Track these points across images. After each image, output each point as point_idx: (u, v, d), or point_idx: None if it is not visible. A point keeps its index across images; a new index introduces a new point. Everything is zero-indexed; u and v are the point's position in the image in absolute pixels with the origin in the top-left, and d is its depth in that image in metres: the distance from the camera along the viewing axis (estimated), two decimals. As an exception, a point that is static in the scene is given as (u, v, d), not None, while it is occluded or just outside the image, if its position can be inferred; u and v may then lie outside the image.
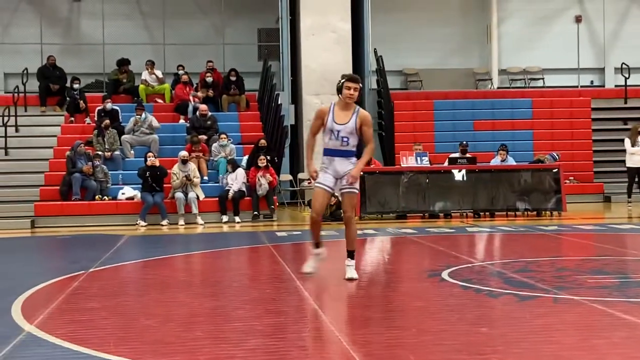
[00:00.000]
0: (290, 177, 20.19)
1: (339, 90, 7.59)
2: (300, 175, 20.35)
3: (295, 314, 6.41)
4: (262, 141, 17.18)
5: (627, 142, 17.55)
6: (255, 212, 15.85)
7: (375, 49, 21.24)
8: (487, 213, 15.80)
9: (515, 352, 4.94)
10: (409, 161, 16.19)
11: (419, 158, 16.24)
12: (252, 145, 17.65)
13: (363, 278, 8.54)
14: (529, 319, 5.88)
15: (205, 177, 16.87)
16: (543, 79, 22.95)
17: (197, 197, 15.80)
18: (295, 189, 20.21)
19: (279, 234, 13.32)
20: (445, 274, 8.02)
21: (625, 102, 21.51)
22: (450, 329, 5.62)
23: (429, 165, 16.32)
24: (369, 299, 7.27)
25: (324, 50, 20.64)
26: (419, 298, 7.00)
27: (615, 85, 22.50)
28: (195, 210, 15.61)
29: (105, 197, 16.14)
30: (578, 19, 23.18)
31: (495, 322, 5.92)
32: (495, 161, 17.07)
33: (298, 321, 6.13)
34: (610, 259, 9.11)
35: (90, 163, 16.20)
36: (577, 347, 5.01)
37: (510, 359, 4.74)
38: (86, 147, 16.66)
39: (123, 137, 17.71)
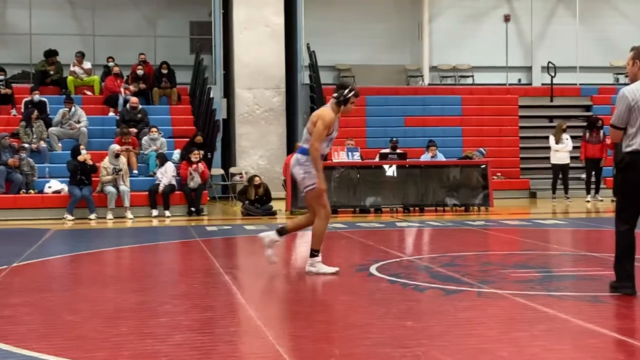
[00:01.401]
0: (221, 172, 20.10)
1: (344, 101, 7.56)
2: (232, 170, 20.29)
3: (222, 308, 6.39)
4: (199, 137, 17.10)
5: (552, 139, 17.94)
6: (192, 208, 15.71)
7: (308, 43, 21.28)
8: (417, 208, 15.99)
9: (439, 345, 5.02)
10: (340, 156, 16.27)
11: (350, 153, 16.33)
12: (184, 139, 17.53)
13: (292, 273, 8.57)
14: (453, 312, 5.98)
15: (136, 171, 16.69)
16: (473, 76, 23.29)
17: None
18: (227, 183, 20.14)
19: (209, 228, 13.25)
20: (373, 269, 8.09)
21: (551, 100, 21.97)
22: (376, 322, 5.67)
23: (360, 160, 16.42)
24: (297, 293, 7.30)
25: (257, 44, 20.60)
26: (347, 292, 7.05)
27: (542, 84, 22.97)
28: (127, 203, 15.42)
29: (31, 191, 15.82)
30: (507, 18, 23.58)
31: (421, 315, 6.00)
32: (425, 157, 17.27)
33: (225, 316, 6.11)
34: (533, 254, 9.31)
35: (16, 156, 15.86)
36: (498, 340, 5.12)
37: (434, 352, 4.80)
38: (11, 140, 16.31)
39: (50, 129, 17.39)
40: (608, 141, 18.06)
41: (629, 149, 6.18)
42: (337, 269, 7.81)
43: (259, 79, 20.65)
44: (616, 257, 6.33)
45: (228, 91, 21.24)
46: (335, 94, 7.65)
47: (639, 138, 6.12)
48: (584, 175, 18.64)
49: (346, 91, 7.58)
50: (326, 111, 7.66)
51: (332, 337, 5.28)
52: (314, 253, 7.81)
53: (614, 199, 17.94)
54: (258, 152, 20.58)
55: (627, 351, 4.87)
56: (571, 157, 18.07)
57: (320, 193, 7.66)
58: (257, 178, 15.81)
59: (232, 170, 20.25)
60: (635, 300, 6.26)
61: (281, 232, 8.01)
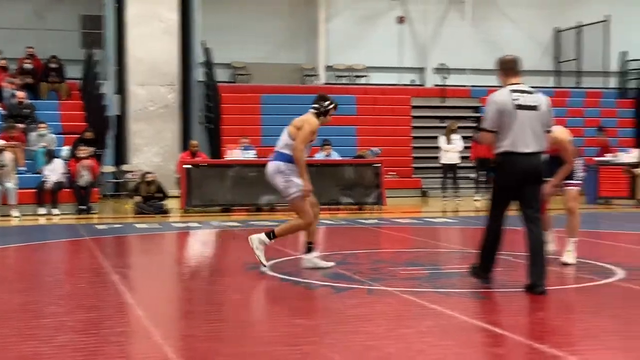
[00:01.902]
0: (113, 169, 19.72)
1: (324, 112, 7.75)
2: (124, 167, 19.92)
3: (109, 309, 6.26)
4: (88, 133, 16.71)
5: (442, 139, 18.32)
6: (82, 206, 15.34)
7: (203, 41, 21.09)
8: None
9: (327, 343, 5.05)
10: (234, 154, 16.20)
11: (245, 151, 16.27)
12: (74, 135, 17.10)
13: (184, 271, 8.48)
14: (342, 310, 6.02)
15: (23, 168, 16.16)
16: (367, 76, 23.56)
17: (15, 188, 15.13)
18: (119, 181, 19.77)
19: (99, 227, 12.97)
20: (265, 267, 8.07)
21: (443, 101, 22.45)
22: (266, 321, 5.68)
23: (255, 158, 16.38)
24: (188, 292, 7.23)
25: (152, 40, 20.28)
26: (238, 291, 7.02)
27: (434, 85, 23.43)
28: (13, 201, 14.93)
29: None
30: (401, 20, 23.94)
31: (311, 313, 6.02)
32: (320, 156, 17.37)
33: (112, 316, 5.99)
34: (423, 251, 9.50)
35: None
36: (385, 337, 5.18)
37: (323, 350, 4.83)
38: None
39: None
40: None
41: (499, 151, 6.60)
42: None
43: (153, 76, 20.33)
44: (482, 248, 6.92)
45: (121, 87, 20.83)
46: (316, 105, 7.81)
47: (507, 140, 6.51)
48: (473, 175, 19.11)
49: (327, 103, 7.78)
50: (312, 118, 7.77)
51: (221, 336, 5.25)
52: (271, 235, 7.88)
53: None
54: (152, 150, 20.27)
55: (508, 345, 5.02)
56: (461, 157, 18.48)
57: (304, 200, 7.69)
58: (149, 175, 15.57)
59: (124, 167, 19.87)
60: (517, 296, 6.46)
61: (309, 249, 7.99)
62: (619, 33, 23.47)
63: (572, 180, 8.03)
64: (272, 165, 7.85)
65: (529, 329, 5.48)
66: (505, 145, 6.54)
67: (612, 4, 24.39)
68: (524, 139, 6.51)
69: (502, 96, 6.59)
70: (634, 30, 24.72)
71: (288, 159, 7.70)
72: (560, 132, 7.70)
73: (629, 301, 6.43)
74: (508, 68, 6.74)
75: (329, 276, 7.53)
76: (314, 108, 7.84)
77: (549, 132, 6.74)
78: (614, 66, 23.61)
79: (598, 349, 4.90)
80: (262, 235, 7.91)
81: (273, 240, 7.96)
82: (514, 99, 6.54)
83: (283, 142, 7.80)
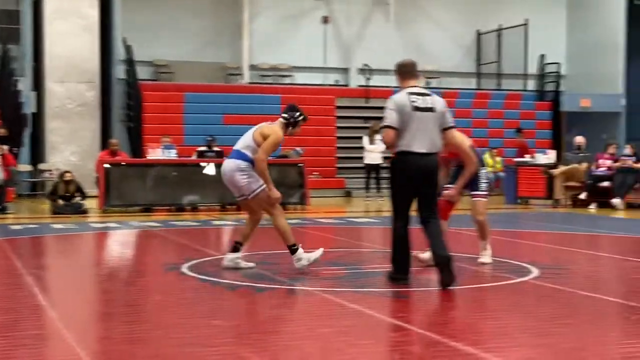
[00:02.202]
0: (30, 168, 19.26)
1: (293, 123, 7.70)
2: (41, 166, 19.49)
3: (22, 311, 6.09)
4: (2, 130, 16.29)
5: (366, 140, 18.46)
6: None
7: (124, 38, 20.77)
8: (235, 206, 15.96)
9: (246, 343, 5.02)
10: (155, 153, 16.00)
11: (166, 151, 16.09)
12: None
13: (101, 273, 8.33)
14: (262, 310, 6.00)
15: None
16: (292, 76, 23.56)
17: None
18: (36, 180, 19.33)
19: (14, 227, 12.62)
20: (185, 268, 7.99)
21: (367, 102, 22.60)
22: (185, 322, 5.60)
23: (176, 158, 16.21)
24: (105, 294, 7.11)
25: (71, 36, 19.90)
26: (156, 292, 6.93)
27: (358, 85, 23.57)
28: None
29: None
30: (326, 20, 24.00)
31: (230, 314, 5.97)
32: (243, 155, 17.26)
33: (25, 319, 5.83)
34: (345, 251, 9.53)
35: None
36: (305, 336, 5.18)
37: (241, 351, 4.79)
38: None
39: None
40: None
41: (398, 149, 6.79)
42: (321, 249, 7.77)
43: (72, 73, 19.94)
44: (392, 251, 6.97)
45: (38, 84, 20.37)
46: (286, 115, 7.71)
47: (403, 140, 6.72)
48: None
49: (297, 114, 7.71)
50: (278, 129, 7.65)
51: (138, 338, 5.16)
52: (292, 249, 7.66)
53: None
54: (70, 148, 19.87)
55: (425, 343, 5.06)
56: (384, 158, 18.65)
57: (267, 194, 7.64)
58: (67, 174, 15.24)
59: (41, 166, 19.44)
60: (434, 295, 6.54)
61: (235, 248, 7.87)
62: (537, 36, 24.01)
63: (479, 191, 7.95)
64: (230, 163, 7.69)
65: (445, 327, 5.54)
66: (401, 145, 6.74)
67: (531, 8, 24.95)
68: (420, 139, 6.73)
69: (401, 98, 6.80)
70: (551, 34, 25.35)
71: (248, 160, 7.60)
72: (460, 137, 7.66)
73: (541, 299, 6.57)
74: (406, 71, 6.97)
75: (250, 276, 7.49)
76: (283, 118, 7.72)
77: (448, 129, 6.90)
78: (532, 69, 24.13)
79: (510, 346, 4.99)
80: (231, 256, 7.83)
81: (299, 248, 7.72)
82: (412, 101, 6.75)
83: (245, 143, 7.68)
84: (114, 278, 7.92)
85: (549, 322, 5.60)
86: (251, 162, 7.59)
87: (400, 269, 6.95)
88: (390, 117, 6.75)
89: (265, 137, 7.56)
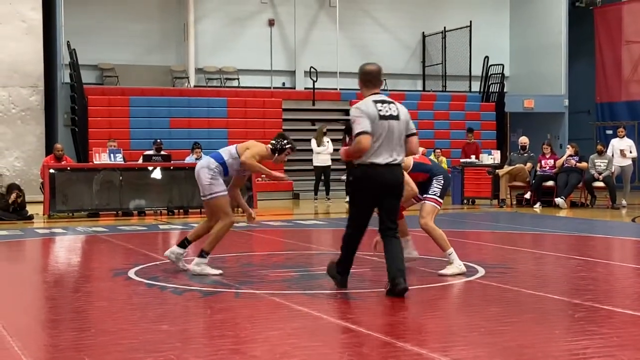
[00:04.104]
0: None
1: (279, 150, 7.85)
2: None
3: (-36, 320, 5.98)
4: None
5: (314, 142, 18.50)
6: None
7: (68, 41, 20.50)
8: (182, 210, 15.88)
9: (192, 348, 4.99)
10: (102, 158, 15.82)
11: (112, 155, 15.92)
12: None
13: (47, 279, 8.21)
14: (209, 314, 5.97)
15: None
16: (238, 79, 23.49)
17: None
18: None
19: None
20: (131, 273, 7.92)
21: (314, 104, 22.64)
22: (130, 327, 5.55)
23: (122, 162, 16.05)
24: (50, 300, 7.00)
25: (13, 40, 19.59)
26: (102, 298, 6.85)
27: (305, 88, 23.59)
28: None
29: None
30: (271, 23, 23.99)
31: (177, 318, 5.93)
32: (191, 159, 17.20)
33: (-33, 328, 5.72)
34: (293, 254, 9.53)
35: None
36: (251, 340, 5.17)
37: (187, 355, 4.77)
38: None
39: None
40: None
41: (359, 162, 6.56)
42: (220, 271, 7.71)
43: (15, 77, 19.63)
44: (342, 253, 6.89)
45: (-20, 89, 19.99)
46: (273, 141, 7.89)
47: (369, 151, 6.46)
48: (344, 177, 19.36)
49: (285, 141, 7.89)
50: (262, 145, 7.87)
51: (83, 345, 5.10)
52: (203, 254, 7.69)
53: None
54: (14, 154, 19.55)
55: (373, 345, 5.09)
56: (332, 160, 18.70)
57: (225, 201, 7.67)
58: (14, 195, 14.69)
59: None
60: (383, 297, 6.57)
61: (183, 244, 7.98)
62: (481, 38, 24.31)
63: (428, 194, 7.85)
64: (203, 160, 7.91)
65: (393, 328, 5.58)
66: (366, 156, 6.49)
67: (475, 10, 25.27)
68: (385, 150, 6.51)
69: (368, 106, 6.54)
70: (495, 36, 25.71)
71: (221, 162, 7.70)
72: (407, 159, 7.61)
73: (488, 298, 6.66)
74: (371, 79, 6.71)
75: (197, 280, 7.45)
76: (271, 144, 7.89)
77: (411, 135, 6.69)
78: (477, 70, 24.43)
79: (458, 346, 5.04)
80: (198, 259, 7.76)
81: (207, 257, 7.76)
82: (378, 110, 6.52)
83: (227, 148, 7.87)
84: (60, 284, 7.81)
85: (496, 321, 5.67)
86: (223, 164, 7.68)
87: (343, 269, 6.87)
88: (363, 123, 6.43)
89: (248, 149, 7.77)
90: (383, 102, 6.61)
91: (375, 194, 6.57)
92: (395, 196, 6.66)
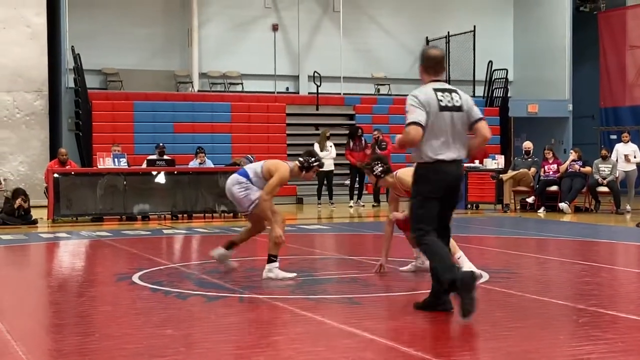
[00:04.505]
0: None
1: (307, 168, 7.86)
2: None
3: (-31, 324, 5.99)
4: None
5: (317, 146, 18.50)
6: None
7: (73, 46, 20.54)
8: (185, 215, 15.89)
9: (197, 352, 5.00)
10: (106, 162, 15.84)
11: (116, 159, 15.94)
12: None
13: (52, 283, 8.22)
14: (213, 319, 5.98)
15: None
16: (242, 84, 23.52)
17: None
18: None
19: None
20: (136, 277, 7.93)
21: (317, 109, 22.63)
22: (135, 332, 5.56)
23: (127, 166, 16.07)
24: (55, 305, 7.02)
25: (17, 45, 19.62)
26: (106, 302, 6.86)
27: (309, 93, 23.60)
28: None
29: None
30: (275, 28, 24.02)
31: (181, 323, 5.93)
32: (194, 164, 17.22)
33: (-28, 332, 5.73)
34: (296, 258, 9.52)
35: None
36: (256, 345, 5.17)
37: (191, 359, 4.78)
38: None
39: None
40: (367, 151, 18.94)
41: (421, 159, 5.90)
42: (294, 274, 7.79)
43: (19, 82, 19.66)
44: (438, 263, 5.94)
45: (-15, 93, 20.03)
46: (301, 159, 7.92)
47: (432, 147, 5.84)
48: (347, 182, 19.37)
49: (312, 159, 7.91)
50: (285, 170, 7.81)
51: (87, 350, 5.10)
52: (272, 259, 7.74)
53: (374, 204, 18.98)
54: (18, 158, 19.58)
55: (377, 350, 5.09)
56: (336, 164, 18.70)
57: (268, 204, 7.74)
58: (20, 200, 14.68)
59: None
60: (387, 301, 6.57)
61: (229, 246, 8.24)
62: (485, 43, 24.30)
63: None
64: (232, 177, 8.03)
65: (397, 333, 5.58)
66: (429, 153, 5.83)
67: (479, 15, 25.28)
68: (449, 145, 5.87)
69: (427, 94, 5.87)
70: (499, 41, 25.71)
71: (248, 178, 7.86)
72: (405, 175, 7.65)
73: (492, 303, 6.65)
74: (434, 65, 6.05)
75: (201, 285, 7.46)
76: (299, 161, 7.93)
77: (477, 121, 6.01)
78: (480, 75, 24.42)
79: (462, 351, 5.04)
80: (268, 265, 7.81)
81: (277, 260, 7.80)
82: (439, 100, 5.86)
83: (253, 167, 7.99)
84: (64, 289, 7.82)
85: (500, 326, 5.67)
86: (250, 180, 7.85)
87: (453, 281, 5.75)
88: (416, 113, 5.75)
89: (271, 174, 7.79)
90: (444, 90, 5.95)
91: (439, 194, 5.90)
92: (457, 195, 6.08)
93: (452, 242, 7.58)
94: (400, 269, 8.13)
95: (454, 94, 5.94)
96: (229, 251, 8.27)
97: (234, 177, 7.98)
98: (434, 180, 5.87)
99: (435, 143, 5.82)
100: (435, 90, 5.91)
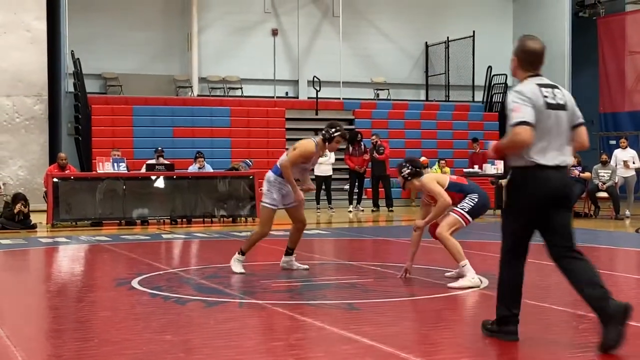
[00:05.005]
0: None
1: (329, 139, 8.29)
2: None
3: (-32, 329, 5.98)
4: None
5: (317, 151, 18.50)
6: None
7: (72, 51, 20.56)
8: (185, 220, 15.88)
9: (196, 358, 4.99)
10: (105, 167, 15.84)
11: (115, 164, 15.94)
12: None
13: (51, 288, 8.21)
14: (213, 324, 5.97)
15: None
16: (241, 88, 23.53)
17: None
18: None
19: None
20: (135, 282, 7.92)
21: (317, 114, 22.64)
22: (134, 337, 5.55)
23: (126, 171, 16.07)
24: (54, 310, 7.01)
25: (17, 49, 19.63)
26: (105, 308, 6.85)
27: (308, 97, 23.61)
28: None
29: None
30: (274, 32, 24.03)
31: (181, 328, 5.93)
32: (193, 168, 17.22)
33: (-29, 337, 5.72)
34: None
35: None
36: (255, 350, 5.17)
37: (191, 366, 4.77)
38: None
39: None
40: (366, 156, 18.96)
41: (519, 163, 5.19)
42: (243, 271, 8.42)
43: (19, 86, 19.67)
44: (507, 298, 5.32)
45: (-16, 98, 20.03)
46: (323, 131, 8.33)
47: (533, 148, 5.08)
48: (347, 187, 19.37)
49: (332, 130, 8.27)
50: (308, 144, 8.32)
51: (87, 355, 5.10)
52: (241, 251, 8.55)
53: (374, 209, 18.96)
54: (18, 163, 19.58)
55: (376, 356, 5.08)
56: (335, 169, 18.69)
57: (266, 212, 8.50)
58: (20, 205, 14.68)
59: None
60: (386, 307, 6.56)
61: (288, 252, 8.84)
62: (484, 48, 24.32)
63: (456, 207, 7.67)
64: (267, 174, 8.61)
65: (397, 339, 5.56)
66: (529, 156, 5.08)
67: (478, 20, 25.29)
68: (556, 147, 5.12)
69: (532, 90, 5.12)
70: (498, 46, 25.69)
71: (278, 173, 8.39)
72: (428, 180, 7.67)
73: (492, 309, 6.63)
74: (533, 60, 5.27)
75: (200, 290, 7.45)
76: (321, 134, 8.36)
77: (578, 126, 5.27)
78: (480, 80, 24.45)
79: (463, 356, 5.03)
80: (236, 255, 8.61)
81: (244, 256, 8.59)
82: (544, 96, 5.12)
83: (281, 157, 8.51)
84: (64, 294, 7.82)
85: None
86: (280, 175, 8.39)
87: (506, 316, 5.25)
88: (524, 111, 5.01)
89: (295, 149, 8.36)
90: (547, 86, 5.19)
91: (541, 206, 5.12)
92: (568, 208, 5.24)
93: (458, 248, 7.60)
94: (446, 274, 8.05)
95: (556, 90, 5.20)
96: (291, 256, 8.80)
97: (269, 173, 8.54)
98: (534, 187, 5.09)
99: (539, 145, 5.05)
100: (539, 85, 5.17)
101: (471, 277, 7.46)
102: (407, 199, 21.35)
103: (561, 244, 5.19)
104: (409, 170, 7.79)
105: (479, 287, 7.44)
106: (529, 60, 5.25)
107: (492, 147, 5.40)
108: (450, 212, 7.65)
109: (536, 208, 5.13)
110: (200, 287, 7.65)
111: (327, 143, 8.33)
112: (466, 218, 7.62)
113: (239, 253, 8.55)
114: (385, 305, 6.63)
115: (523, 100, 5.05)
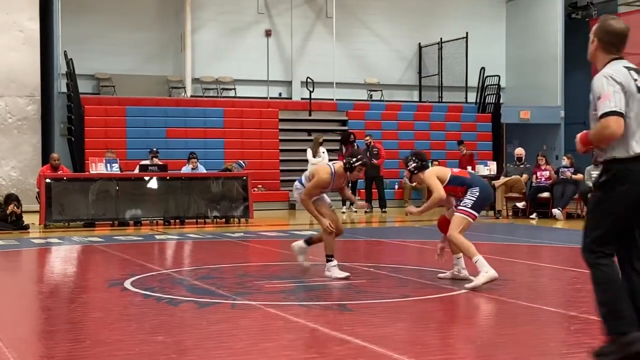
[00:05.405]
0: None
1: (349, 168, 8.20)
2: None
3: (-40, 330, 5.97)
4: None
5: (309, 152, 18.50)
6: None
7: (65, 51, 20.53)
8: (178, 220, 15.86)
9: (189, 359, 5.00)
10: (98, 168, 15.82)
11: (109, 165, 15.91)
12: None
13: (43, 289, 8.20)
14: (205, 325, 5.96)
15: None
16: (235, 89, 23.51)
17: None
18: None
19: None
20: (127, 283, 7.91)
21: (310, 115, 22.65)
22: (126, 339, 5.55)
23: (119, 172, 16.04)
24: (46, 311, 6.99)
25: (10, 50, 19.60)
26: (98, 309, 6.84)
27: (301, 98, 23.61)
28: None
29: None
30: (268, 33, 24.02)
31: (173, 329, 5.92)
32: (187, 169, 17.21)
33: (-37, 338, 5.71)
34: (288, 264, 9.51)
35: None
36: (247, 351, 5.16)
37: (183, 367, 4.77)
38: None
39: None
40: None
41: (610, 156, 4.60)
42: (348, 274, 8.16)
43: (12, 86, 19.63)
44: (610, 302, 4.62)
45: (-23, 98, 19.99)
46: (344, 160, 8.29)
47: (625, 140, 4.53)
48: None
49: (353, 160, 8.20)
50: (323, 174, 8.24)
51: (79, 356, 5.09)
52: (329, 259, 8.32)
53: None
54: (10, 163, 19.54)
55: (369, 357, 5.08)
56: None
57: (306, 203, 8.33)
58: (11, 206, 14.64)
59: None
60: (379, 308, 6.57)
61: (329, 260, 8.39)
62: (478, 49, 24.35)
63: (460, 206, 7.72)
64: (295, 184, 8.73)
65: (389, 340, 5.57)
66: (622, 147, 4.53)
67: (471, 21, 25.30)
68: None
69: (622, 73, 4.58)
70: (491, 47, 25.76)
71: (302, 183, 8.51)
72: (429, 174, 7.76)
73: (484, 310, 6.66)
74: (617, 42, 4.75)
75: (193, 291, 7.45)
76: (344, 162, 8.28)
77: None
78: (473, 81, 24.47)
79: (455, 358, 5.05)
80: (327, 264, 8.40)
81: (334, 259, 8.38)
82: (634, 79, 4.58)
83: (306, 174, 8.62)
84: (56, 295, 7.81)
85: (492, 333, 5.68)
86: (304, 185, 8.45)
87: (629, 323, 4.51)
88: (615, 99, 4.48)
89: (313, 177, 8.31)
90: (635, 70, 4.67)
91: (634, 204, 4.51)
92: None
93: (467, 245, 7.61)
94: (439, 275, 8.09)
95: None
96: (308, 247, 8.80)
97: (297, 182, 8.64)
98: (632, 182, 4.49)
99: (628, 133, 4.50)
100: (628, 68, 4.63)
101: (485, 271, 7.44)
102: (401, 199, 21.38)
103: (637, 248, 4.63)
104: (415, 164, 7.89)
105: (495, 279, 7.40)
106: (612, 42, 4.73)
107: (579, 139, 4.81)
108: (455, 212, 7.71)
109: (628, 202, 4.51)
110: (193, 288, 7.65)
111: (348, 172, 8.27)
112: (471, 214, 7.70)
113: (328, 261, 8.33)
114: (378, 306, 6.64)
115: (613, 84, 4.53)
